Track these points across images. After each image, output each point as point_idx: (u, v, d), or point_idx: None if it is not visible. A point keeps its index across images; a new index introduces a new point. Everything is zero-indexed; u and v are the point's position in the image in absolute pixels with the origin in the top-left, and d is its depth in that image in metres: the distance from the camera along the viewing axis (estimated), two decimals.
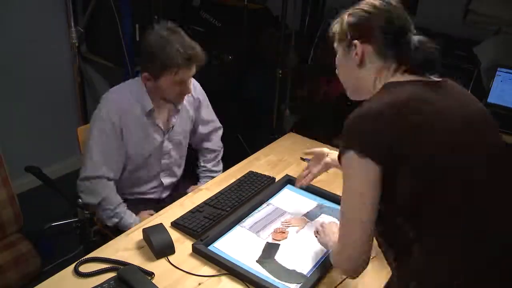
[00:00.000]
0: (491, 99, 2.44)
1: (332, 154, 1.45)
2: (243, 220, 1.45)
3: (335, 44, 1.14)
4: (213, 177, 1.85)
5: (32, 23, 2.57)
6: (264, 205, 1.54)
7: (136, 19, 2.60)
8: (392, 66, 1.04)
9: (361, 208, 0.94)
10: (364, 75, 1.07)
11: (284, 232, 1.41)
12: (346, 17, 1.10)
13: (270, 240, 1.37)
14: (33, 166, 1.63)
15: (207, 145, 1.97)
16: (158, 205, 1.74)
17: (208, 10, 2.94)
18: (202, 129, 1.92)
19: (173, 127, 1.75)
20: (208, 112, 1.92)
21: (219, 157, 2.00)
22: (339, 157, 0.99)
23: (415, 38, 1.07)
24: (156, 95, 1.65)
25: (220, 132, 2.00)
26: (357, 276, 0.99)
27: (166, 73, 1.55)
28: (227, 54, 2.82)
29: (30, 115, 2.73)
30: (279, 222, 1.45)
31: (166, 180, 1.83)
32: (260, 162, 1.83)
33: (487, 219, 0.94)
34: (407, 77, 1.03)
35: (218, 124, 1.99)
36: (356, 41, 1.05)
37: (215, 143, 1.98)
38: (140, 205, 1.76)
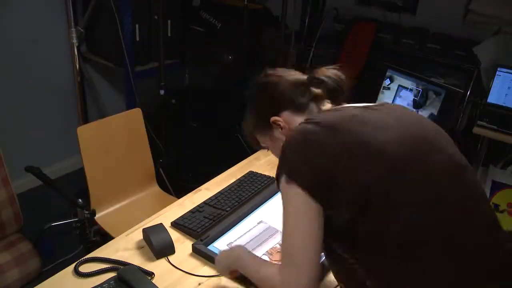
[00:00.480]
0: (491, 99, 2.44)
1: None
2: (242, 220, 1.45)
3: (260, 141, 1.14)
4: None
5: (32, 23, 2.57)
6: (255, 223, 1.45)
7: (136, 19, 2.60)
8: (314, 109, 1.05)
9: (302, 244, 0.89)
10: None
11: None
12: (249, 111, 1.13)
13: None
14: (33, 166, 1.63)
15: None
16: None
17: (208, 10, 2.94)
18: None
19: None
20: None
21: None
22: (277, 182, 0.97)
23: (318, 71, 1.07)
24: None
25: None
26: None
27: None
28: (227, 54, 2.82)
29: (30, 115, 2.73)
30: (272, 241, 1.36)
31: None
32: (260, 162, 1.83)
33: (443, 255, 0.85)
34: (335, 107, 1.04)
35: None
36: (273, 118, 1.06)
37: None
38: None
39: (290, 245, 0.92)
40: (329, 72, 1.06)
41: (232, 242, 1.35)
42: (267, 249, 1.33)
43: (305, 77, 1.08)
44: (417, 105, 2.35)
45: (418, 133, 0.94)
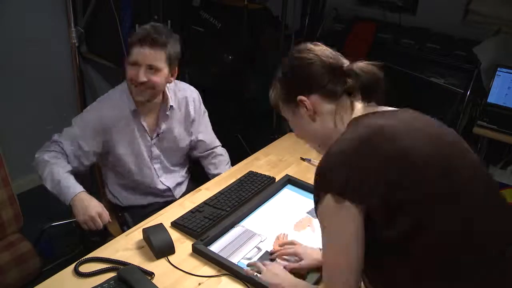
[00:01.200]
0: (491, 99, 2.44)
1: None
2: (242, 220, 1.45)
3: (282, 111, 1.10)
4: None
5: (32, 23, 2.57)
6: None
7: (136, 19, 2.60)
8: (346, 102, 1.01)
9: (348, 257, 0.89)
10: (323, 124, 1.03)
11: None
12: (279, 79, 1.09)
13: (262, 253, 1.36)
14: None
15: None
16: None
17: (208, 10, 2.94)
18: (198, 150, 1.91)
19: (162, 132, 1.73)
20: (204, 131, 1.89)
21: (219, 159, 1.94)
22: (316, 208, 0.93)
23: (355, 65, 1.02)
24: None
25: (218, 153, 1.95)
26: None
27: (129, 55, 1.56)
28: (227, 54, 2.81)
29: (30, 115, 2.73)
30: (250, 244, 1.35)
31: (170, 183, 1.82)
32: (260, 162, 1.83)
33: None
34: (367, 109, 1.00)
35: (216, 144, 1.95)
36: (300, 97, 1.02)
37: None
38: (151, 207, 1.76)
39: (336, 265, 0.92)
40: (368, 68, 1.00)
41: (232, 243, 1.35)
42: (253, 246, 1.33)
43: (344, 63, 1.03)
44: None
45: (443, 131, 0.96)
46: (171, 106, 1.72)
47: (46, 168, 1.57)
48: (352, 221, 0.87)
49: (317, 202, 0.92)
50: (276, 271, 1.17)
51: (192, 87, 1.84)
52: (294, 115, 1.07)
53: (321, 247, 0.97)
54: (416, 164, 0.87)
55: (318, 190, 0.91)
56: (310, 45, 1.05)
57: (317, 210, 0.93)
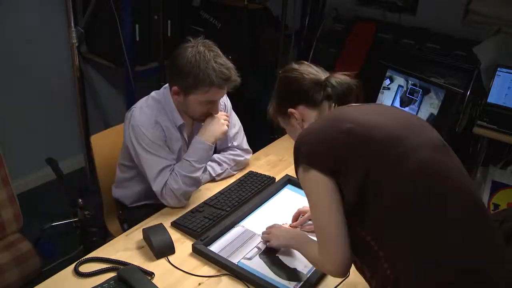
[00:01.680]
0: (491, 99, 2.44)
1: None
2: (242, 220, 1.45)
3: (280, 123, 1.29)
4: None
5: (32, 23, 2.57)
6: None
7: (136, 19, 2.60)
8: (326, 106, 1.19)
9: (330, 221, 0.99)
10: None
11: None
12: (273, 98, 1.29)
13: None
14: (52, 158, 1.64)
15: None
16: None
17: (208, 10, 2.94)
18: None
19: None
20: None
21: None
22: (296, 176, 1.08)
23: (332, 78, 1.20)
24: (181, 110, 1.58)
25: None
26: (345, 275, 1.02)
27: (197, 91, 1.47)
28: (227, 54, 2.82)
29: (30, 115, 2.73)
30: (250, 244, 1.36)
31: None
32: (260, 162, 1.83)
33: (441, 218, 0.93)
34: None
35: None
36: (290, 109, 1.21)
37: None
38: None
39: (322, 226, 1.02)
40: (342, 79, 1.19)
41: (231, 242, 1.35)
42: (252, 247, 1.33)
43: (323, 77, 1.21)
44: (402, 102, 2.35)
45: (409, 116, 1.12)
46: None
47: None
48: (323, 188, 0.99)
49: (296, 174, 1.08)
50: (279, 234, 1.31)
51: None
52: (288, 125, 1.26)
53: None
54: (370, 134, 0.99)
55: (295, 163, 1.07)
56: (295, 65, 1.27)
57: (300, 183, 1.07)
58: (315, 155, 1.01)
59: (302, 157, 1.03)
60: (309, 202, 1.04)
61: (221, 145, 1.79)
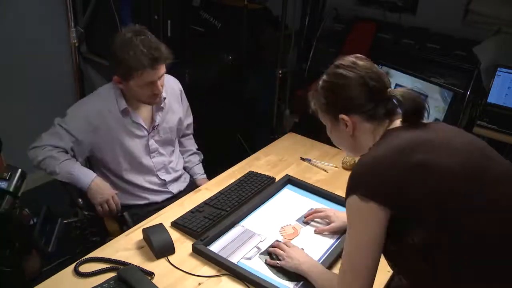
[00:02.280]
0: (491, 99, 2.44)
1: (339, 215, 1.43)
2: (242, 220, 1.45)
3: (320, 117, 1.15)
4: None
5: (32, 23, 2.57)
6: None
7: (136, 19, 2.60)
8: (385, 122, 1.04)
9: (366, 255, 0.95)
10: (360, 139, 1.07)
11: (295, 230, 1.43)
12: (321, 92, 1.10)
13: (277, 239, 1.37)
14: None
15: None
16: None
17: (208, 10, 2.94)
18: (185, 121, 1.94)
19: (158, 125, 1.74)
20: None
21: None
22: (345, 200, 0.99)
23: (397, 91, 1.03)
24: (130, 96, 1.65)
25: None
26: None
27: (133, 76, 1.54)
28: (227, 54, 2.82)
29: (30, 115, 2.73)
30: (250, 244, 1.36)
31: (167, 177, 1.82)
32: (260, 162, 1.83)
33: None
34: (402, 124, 1.04)
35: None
36: (342, 115, 1.05)
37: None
38: (151, 207, 1.75)
39: (355, 256, 0.97)
40: (408, 94, 1.01)
41: (231, 242, 1.35)
42: (250, 247, 1.33)
43: (386, 86, 1.04)
44: None
45: (473, 141, 1.01)
46: (164, 98, 1.73)
47: (57, 162, 1.63)
48: (373, 222, 0.93)
49: (345, 199, 0.98)
50: (294, 255, 1.24)
51: (169, 76, 1.82)
52: (332, 125, 1.11)
53: None
54: (438, 173, 0.91)
55: (347, 191, 0.97)
56: (353, 60, 1.07)
57: (346, 210, 0.99)
58: (379, 189, 0.92)
59: (363, 188, 0.93)
60: (350, 229, 0.97)
61: (180, 133, 1.92)
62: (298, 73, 3.19)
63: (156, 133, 1.75)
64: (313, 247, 1.35)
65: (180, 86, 1.89)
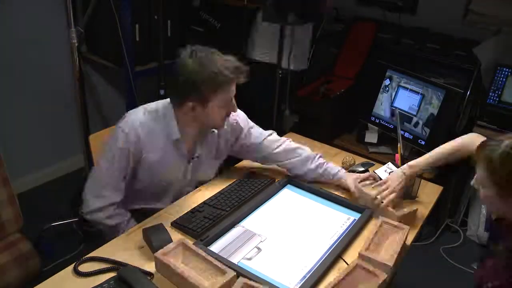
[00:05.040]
0: (491, 99, 2.44)
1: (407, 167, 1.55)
2: (242, 220, 1.45)
3: (485, 191, 1.14)
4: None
5: (32, 23, 2.57)
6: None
7: (136, 19, 2.60)
8: None
9: None
10: None
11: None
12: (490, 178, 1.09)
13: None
14: None
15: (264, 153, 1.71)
16: None
17: (207, 11, 2.94)
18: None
19: (198, 156, 1.60)
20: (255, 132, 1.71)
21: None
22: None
23: None
24: (193, 124, 1.50)
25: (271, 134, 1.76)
26: None
27: (217, 94, 1.41)
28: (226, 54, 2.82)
29: (30, 115, 2.73)
30: (250, 244, 1.35)
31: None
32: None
33: None
34: None
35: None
36: None
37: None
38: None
39: None
40: None
41: (231, 242, 1.35)
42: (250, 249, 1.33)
43: None
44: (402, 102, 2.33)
45: None
46: (213, 131, 1.60)
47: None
48: None
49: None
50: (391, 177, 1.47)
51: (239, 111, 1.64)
52: (501, 197, 1.10)
53: None
54: None
55: None
56: None
57: None
58: None
59: None
60: None
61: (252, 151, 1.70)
62: (298, 73, 3.19)
63: (195, 165, 1.61)
64: (312, 248, 1.35)
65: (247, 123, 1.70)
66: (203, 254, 1.20)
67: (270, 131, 1.74)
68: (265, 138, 1.69)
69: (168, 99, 1.54)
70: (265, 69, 2.88)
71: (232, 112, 1.52)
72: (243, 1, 2.80)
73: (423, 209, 1.57)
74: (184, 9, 2.96)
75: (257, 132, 1.70)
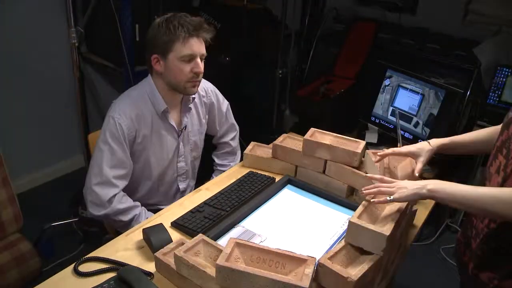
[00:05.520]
0: (491, 99, 2.44)
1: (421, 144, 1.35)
2: (242, 220, 1.45)
3: None
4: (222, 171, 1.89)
5: (32, 23, 2.57)
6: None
7: (136, 19, 2.60)
8: None
9: None
10: None
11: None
12: None
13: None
14: None
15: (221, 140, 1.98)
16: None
17: (208, 11, 2.94)
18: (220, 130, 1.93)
19: (185, 127, 1.70)
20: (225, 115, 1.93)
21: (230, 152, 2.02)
22: None
23: None
24: (167, 89, 1.58)
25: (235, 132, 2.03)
26: None
27: (174, 46, 1.49)
28: (225, 55, 2.82)
29: (30, 115, 2.73)
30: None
31: (182, 185, 1.80)
32: None
33: None
34: None
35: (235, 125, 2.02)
36: None
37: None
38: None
39: None
40: None
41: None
42: None
43: None
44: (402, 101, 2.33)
45: None
46: (193, 98, 1.69)
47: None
48: None
49: None
50: (404, 184, 1.14)
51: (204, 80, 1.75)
52: None
53: None
54: None
55: None
56: None
57: None
58: None
59: None
60: None
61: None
62: (298, 73, 3.19)
63: (185, 136, 1.72)
64: (312, 249, 1.35)
65: (216, 92, 1.87)
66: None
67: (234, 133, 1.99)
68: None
69: (148, 77, 1.63)
70: (265, 69, 2.88)
71: (197, 72, 1.55)
72: (243, 1, 2.80)
73: (423, 209, 1.57)
74: (184, 9, 2.95)
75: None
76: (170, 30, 1.49)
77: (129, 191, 1.64)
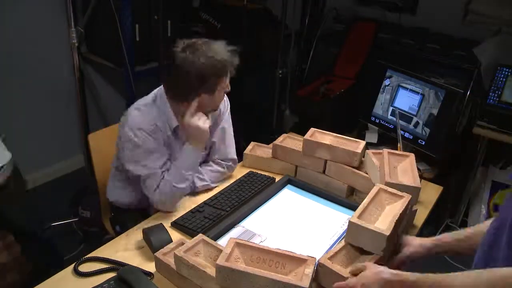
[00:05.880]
0: (491, 99, 2.44)
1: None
2: (242, 220, 1.46)
3: None
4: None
5: (32, 23, 2.57)
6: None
7: (136, 19, 2.60)
8: None
9: None
10: None
11: None
12: None
13: None
14: None
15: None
16: None
17: (208, 11, 2.95)
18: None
19: None
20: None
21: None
22: None
23: None
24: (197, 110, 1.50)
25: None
26: None
27: (223, 77, 1.49)
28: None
29: (30, 115, 2.73)
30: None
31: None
32: None
33: None
34: None
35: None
36: None
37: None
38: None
39: None
40: None
41: None
42: None
43: None
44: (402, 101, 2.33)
45: None
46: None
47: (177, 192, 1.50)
48: None
49: None
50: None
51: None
52: None
53: None
54: None
55: None
56: None
57: None
58: None
59: None
60: None
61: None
62: (298, 73, 3.19)
63: None
64: (312, 249, 1.35)
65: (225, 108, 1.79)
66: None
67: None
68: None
69: (155, 91, 1.59)
70: (265, 69, 2.88)
71: (228, 89, 1.57)
72: (243, 1, 2.80)
73: (423, 209, 1.57)
74: (184, 9, 2.96)
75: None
76: (215, 66, 1.46)
77: (138, 192, 1.59)
